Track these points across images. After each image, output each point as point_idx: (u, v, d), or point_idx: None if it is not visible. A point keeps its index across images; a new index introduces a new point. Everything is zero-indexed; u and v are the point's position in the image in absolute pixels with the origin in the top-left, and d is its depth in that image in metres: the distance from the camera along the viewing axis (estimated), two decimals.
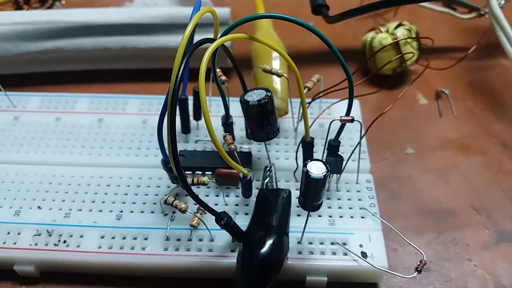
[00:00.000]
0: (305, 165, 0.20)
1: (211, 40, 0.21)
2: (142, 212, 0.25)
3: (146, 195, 0.26)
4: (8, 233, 0.24)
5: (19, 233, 0.24)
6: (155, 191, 0.26)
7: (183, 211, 0.23)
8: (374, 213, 0.25)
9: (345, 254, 0.23)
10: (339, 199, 0.25)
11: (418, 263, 0.21)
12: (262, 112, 0.22)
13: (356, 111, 0.30)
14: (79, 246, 0.23)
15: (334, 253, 0.23)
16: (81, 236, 0.24)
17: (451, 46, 0.38)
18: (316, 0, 0.32)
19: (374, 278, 0.23)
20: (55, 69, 0.34)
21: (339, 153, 0.24)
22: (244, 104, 0.22)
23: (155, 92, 0.31)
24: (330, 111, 0.29)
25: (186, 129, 0.28)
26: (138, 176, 0.27)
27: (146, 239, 0.24)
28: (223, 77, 0.26)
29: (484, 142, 0.31)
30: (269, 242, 0.21)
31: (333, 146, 0.24)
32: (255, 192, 0.24)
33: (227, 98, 0.25)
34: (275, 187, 0.24)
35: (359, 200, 0.25)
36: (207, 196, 0.26)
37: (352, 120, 0.23)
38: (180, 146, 0.27)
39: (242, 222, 0.22)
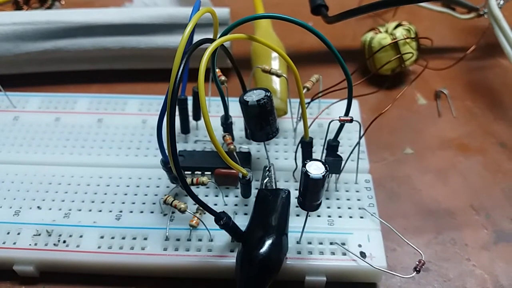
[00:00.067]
0: (304, 165, 0.20)
1: (210, 40, 0.21)
2: (142, 212, 0.25)
3: (146, 195, 0.26)
4: (8, 233, 0.24)
5: (18, 233, 0.24)
6: (154, 191, 0.26)
7: (183, 211, 0.23)
8: (373, 213, 0.25)
9: (344, 254, 0.23)
10: (338, 199, 0.26)
11: (417, 263, 0.22)
12: (261, 112, 0.22)
13: (355, 111, 0.30)
14: (78, 246, 0.23)
15: (333, 253, 0.23)
16: (81, 236, 0.24)
17: (450, 46, 0.38)
18: (315, 0, 0.32)
19: (373, 278, 0.23)
20: (55, 69, 0.34)
21: (338, 153, 0.24)
22: (244, 104, 0.22)
23: (155, 92, 0.31)
24: (329, 111, 0.29)
25: (185, 129, 0.28)
26: (137, 176, 0.27)
27: (145, 239, 0.24)
28: (223, 77, 0.26)
29: (483, 142, 0.31)
30: (268, 242, 0.21)
31: (332, 146, 0.24)
32: (254, 192, 0.24)
33: (226, 98, 0.25)
34: (274, 187, 0.24)
35: (358, 200, 0.25)
36: (206, 196, 0.26)
37: (351, 120, 0.23)
38: (180, 146, 0.27)
39: (241, 222, 0.22)
